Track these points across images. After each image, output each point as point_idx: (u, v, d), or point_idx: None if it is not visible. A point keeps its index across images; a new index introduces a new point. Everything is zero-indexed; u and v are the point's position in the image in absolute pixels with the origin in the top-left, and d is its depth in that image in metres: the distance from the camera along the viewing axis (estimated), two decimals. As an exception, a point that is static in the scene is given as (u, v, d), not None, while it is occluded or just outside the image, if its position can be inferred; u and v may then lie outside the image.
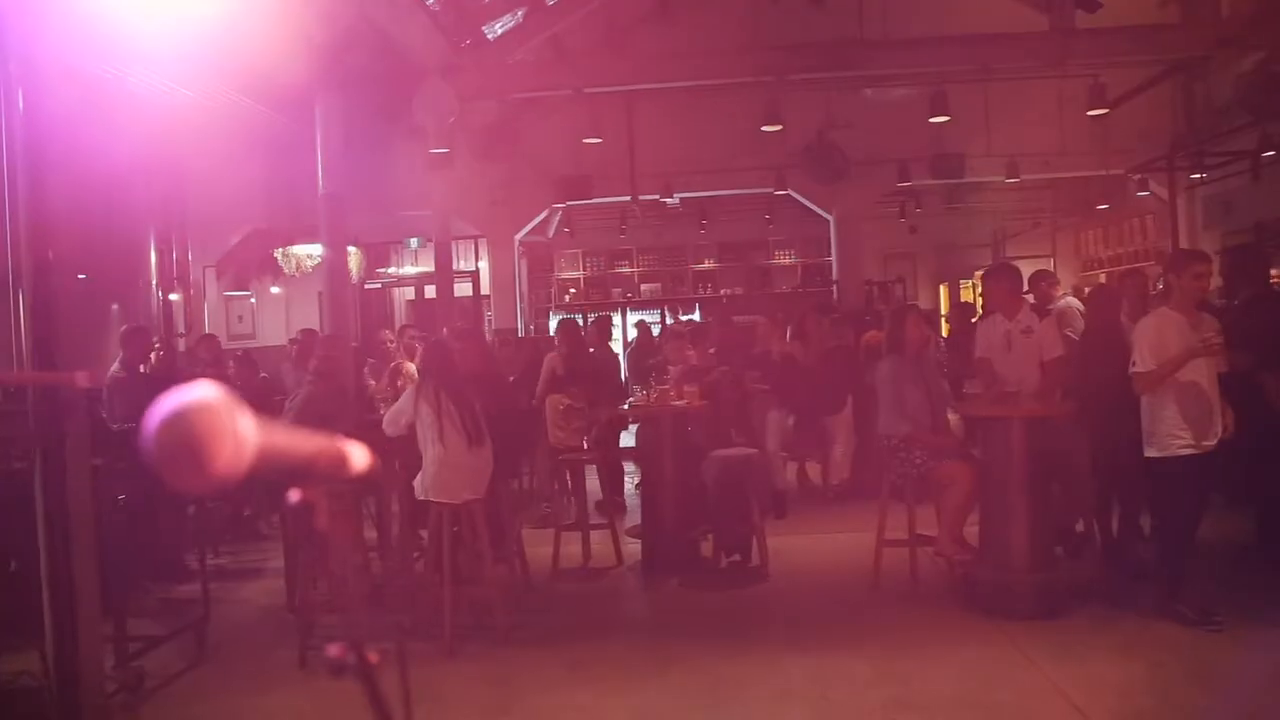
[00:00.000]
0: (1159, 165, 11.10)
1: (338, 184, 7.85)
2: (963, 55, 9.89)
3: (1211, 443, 4.98)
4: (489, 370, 6.35)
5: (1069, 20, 9.67)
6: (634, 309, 16.47)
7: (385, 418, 5.65)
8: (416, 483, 5.39)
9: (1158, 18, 10.54)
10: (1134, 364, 5.03)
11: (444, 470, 5.27)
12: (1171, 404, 4.98)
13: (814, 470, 9.21)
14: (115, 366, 7.29)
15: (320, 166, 7.83)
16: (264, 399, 7.75)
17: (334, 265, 7.71)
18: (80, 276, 7.41)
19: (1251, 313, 5.52)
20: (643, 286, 17.44)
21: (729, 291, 17.04)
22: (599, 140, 9.59)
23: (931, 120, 9.79)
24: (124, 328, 7.07)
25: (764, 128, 9.28)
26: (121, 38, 7.08)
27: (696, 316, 14.80)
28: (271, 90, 8.57)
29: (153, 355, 7.34)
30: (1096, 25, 10.05)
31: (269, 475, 1.19)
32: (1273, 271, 7.78)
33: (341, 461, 1.36)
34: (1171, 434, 5.01)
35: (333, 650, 1.30)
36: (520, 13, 11.04)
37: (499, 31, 11.10)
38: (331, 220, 7.74)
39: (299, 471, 1.27)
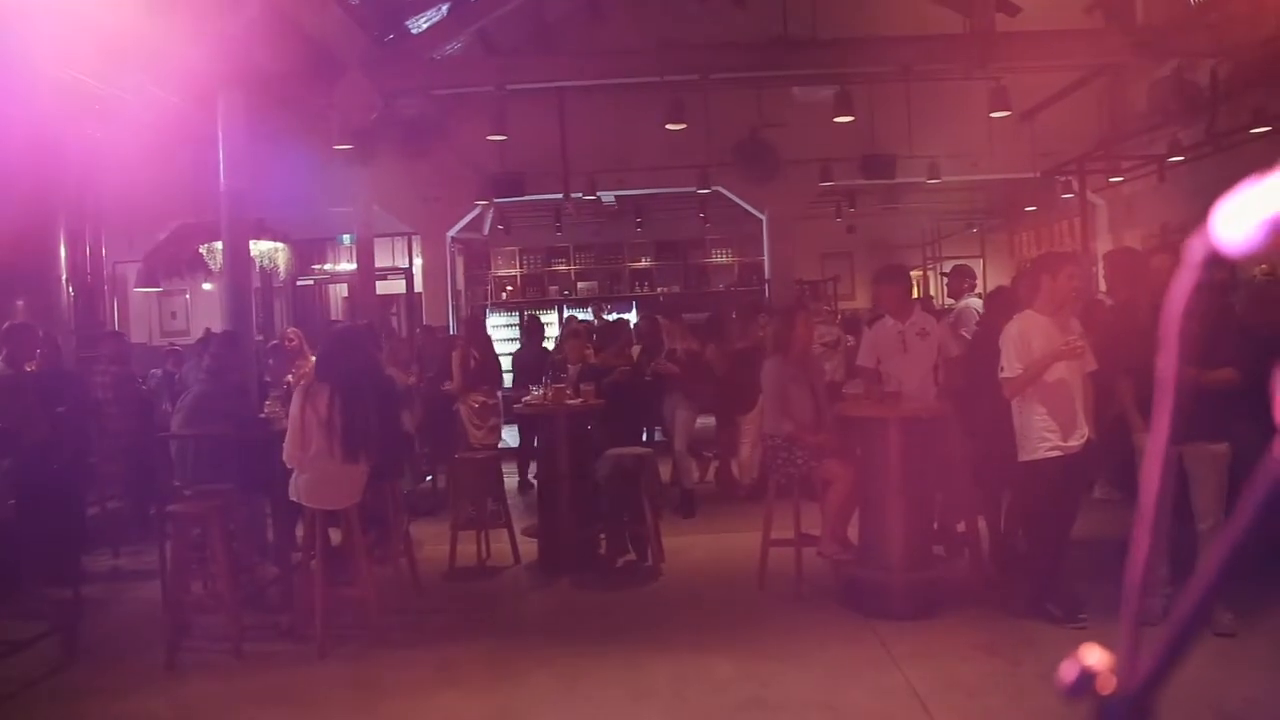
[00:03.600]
0: (1071, 169, 11.23)
1: (242, 179, 7.74)
2: (884, 56, 9.96)
3: (1076, 443, 5.04)
4: (376, 369, 6.28)
5: (989, 23, 9.77)
6: (571, 307, 16.36)
7: (286, 448, 5.23)
8: (291, 483, 5.32)
9: (1082, 23, 10.66)
10: (1001, 370, 5.08)
11: (316, 479, 5.21)
12: (1039, 406, 5.04)
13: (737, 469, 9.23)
14: (-1, 365, 7.12)
15: (221, 161, 7.72)
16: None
17: (234, 261, 7.62)
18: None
19: (1125, 315, 5.58)
20: (579, 284, 17.35)
21: (666, 290, 17.00)
22: (504, 138, 9.54)
23: (836, 120, 9.83)
24: (5, 324, 6.88)
25: (668, 126, 9.27)
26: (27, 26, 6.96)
27: (631, 316, 14.68)
28: (185, 82, 8.43)
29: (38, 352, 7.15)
30: (1020, 28, 10.16)
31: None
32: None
33: None
34: (1041, 436, 5.07)
35: None
36: (444, 8, 10.95)
37: (423, 26, 11.01)
38: (232, 216, 7.64)
39: None
